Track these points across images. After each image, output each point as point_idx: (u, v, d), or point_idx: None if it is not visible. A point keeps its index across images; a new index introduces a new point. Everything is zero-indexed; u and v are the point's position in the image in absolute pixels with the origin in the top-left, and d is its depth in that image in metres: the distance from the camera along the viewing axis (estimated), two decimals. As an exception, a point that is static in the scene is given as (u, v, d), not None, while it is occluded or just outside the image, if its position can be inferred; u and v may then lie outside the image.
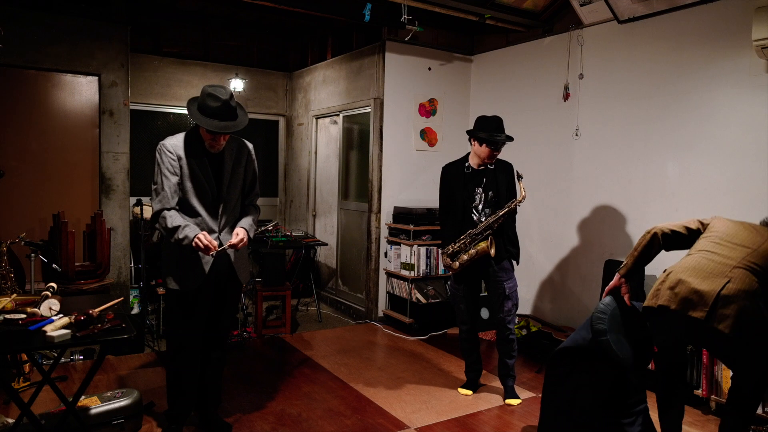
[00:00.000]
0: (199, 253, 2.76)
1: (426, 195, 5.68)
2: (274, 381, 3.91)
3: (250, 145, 3.10)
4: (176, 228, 2.71)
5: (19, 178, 4.72)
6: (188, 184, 2.81)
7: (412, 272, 5.16)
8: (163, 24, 6.26)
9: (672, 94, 4.09)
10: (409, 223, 5.19)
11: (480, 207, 3.66)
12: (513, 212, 3.60)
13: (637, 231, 4.30)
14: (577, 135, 4.76)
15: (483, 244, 3.55)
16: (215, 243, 2.73)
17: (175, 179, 2.79)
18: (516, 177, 3.61)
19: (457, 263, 3.64)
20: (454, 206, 3.68)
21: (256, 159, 3.16)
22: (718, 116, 3.83)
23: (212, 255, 2.75)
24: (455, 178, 3.69)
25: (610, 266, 4.27)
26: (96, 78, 4.96)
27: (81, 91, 4.95)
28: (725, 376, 3.47)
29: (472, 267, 3.64)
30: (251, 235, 2.94)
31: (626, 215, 4.39)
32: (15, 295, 2.98)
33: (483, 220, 3.62)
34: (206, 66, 6.57)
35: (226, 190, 2.90)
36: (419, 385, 3.91)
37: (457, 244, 3.63)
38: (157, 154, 2.82)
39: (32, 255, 3.90)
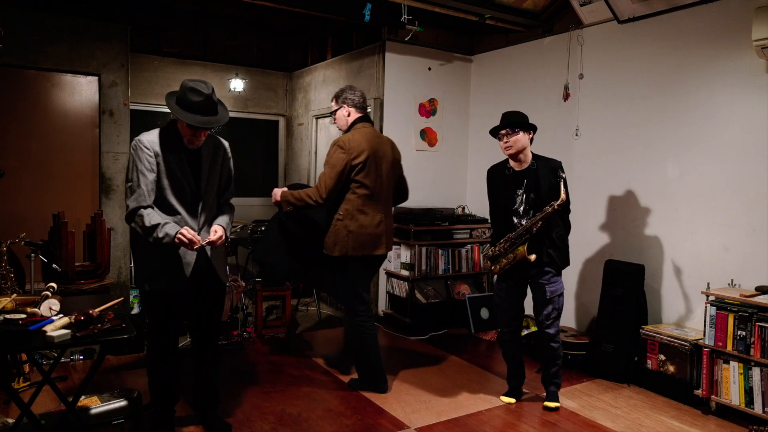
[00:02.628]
0: (180, 252, 2.72)
1: (426, 195, 5.68)
2: (274, 381, 3.91)
3: (226, 143, 3.04)
4: (155, 226, 2.65)
5: (19, 178, 4.72)
6: (166, 182, 2.74)
7: (412, 272, 5.16)
8: (163, 24, 6.26)
9: (672, 94, 4.09)
10: (409, 223, 5.19)
11: (521, 210, 3.49)
12: (555, 215, 3.38)
13: (637, 231, 4.31)
14: (577, 135, 4.76)
15: (521, 249, 3.41)
16: (199, 237, 2.70)
17: (152, 176, 2.71)
18: (558, 177, 3.41)
19: (498, 267, 3.55)
20: (497, 209, 3.63)
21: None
22: (718, 116, 3.83)
23: (196, 249, 2.73)
24: (498, 180, 3.60)
25: (610, 266, 4.28)
26: (96, 78, 4.96)
27: (81, 91, 4.95)
28: (725, 376, 3.47)
29: (515, 268, 3.53)
30: (228, 234, 2.92)
31: (626, 215, 4.39)
32: (15, 295, 2.98)
33: (523, 223, 3.45)
34: (206, 66, 6.57)
35: (205, 188, 2.85)
36: (419, 385, 3.91)
37: (497, 248, 3.52)
38: (133, 151, 2.74)
39: (32, 255, 3.89)
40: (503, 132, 3.47)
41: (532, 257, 3.37)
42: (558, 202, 3.32)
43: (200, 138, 2.77)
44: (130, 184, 2.73)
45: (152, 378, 2.94)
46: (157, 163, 2.73)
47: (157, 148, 2.73)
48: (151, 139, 2.75)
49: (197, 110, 2.66)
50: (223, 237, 2.83)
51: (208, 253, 2.89)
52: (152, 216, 2.68)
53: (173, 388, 2.95)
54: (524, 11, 4.88)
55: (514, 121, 3.44)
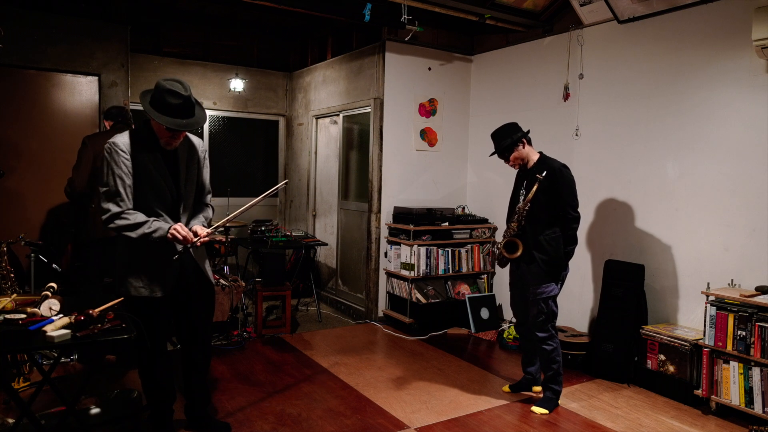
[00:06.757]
0: (163, 256, 2.66)
1: (426, 195, 5.68)
2: (274, 381, 3.91)
3: (201, 141, 2.97)
4: (142, 223, 2.58)
5: (19, 178, 4.72)
6: (145, 186, 2.66)
7: (412, 272, 5.16)
8: (163, 24, 6.26)
9: (672, 93, 4.09)
10: (409, 223, 5.19)
11: (517, 208, 3.59)
12: (534, 218, 3.46)
13: (637, 231, 4.31)
14: (577, 135, 4.76)
15: (504, 243, 3.59)
16: (191, 235, 2.64)
17: (129, 180, 2.63)
18: (538, 181, 3.41)
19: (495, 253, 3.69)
20: (509, 205, 3.72)
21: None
22: (718, 116, 3.83)
23: (189, 247, 2.69)
24: (517, 177, 3.71)
25: (610, 266, 4.28)
26: (96, 78, 4.96)
27: (81, 91, 4.95)
28: (725, 376, 3.47)
29: (512, 264, 3.63)
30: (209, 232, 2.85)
31: (626, 215, 4.39)
32: (15, 295, 2.98)
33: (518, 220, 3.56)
34: (206, 66, 6.57)
35: (184, 188, 2.78)
36: (419, 385, 3.91)
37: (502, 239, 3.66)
38: (107, 155, 2.63)
39: (32, 255, 3.90)
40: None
41: (517, 254, 3.52)
42: (519, 206, 3.51)
43: (178, 140, 2.71)
44: (106, 189, 2.62)
45: (144, 379, 2.91)
46: (134, 166, 2.64)
47: (133, 151, 2.64)
48: (125, 141, 2.66)
49: (175, 113, 2.58)
50: (206, 235, 2.74)
51: (192, 253, 2.84)
52: (137, 215, 2.61)
53: (166, 388, 2.93)
54: (524, 11, 4.88)
55: (503, 149, 3.56)
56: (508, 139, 3.54)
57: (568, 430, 3.31)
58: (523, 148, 3.56)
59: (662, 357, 3.83)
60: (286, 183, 3.02)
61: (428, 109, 5.66)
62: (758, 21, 3.35)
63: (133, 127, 4.03)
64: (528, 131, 3.61)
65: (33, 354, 2.86)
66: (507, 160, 3.62)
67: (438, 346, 4.80)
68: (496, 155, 3.64)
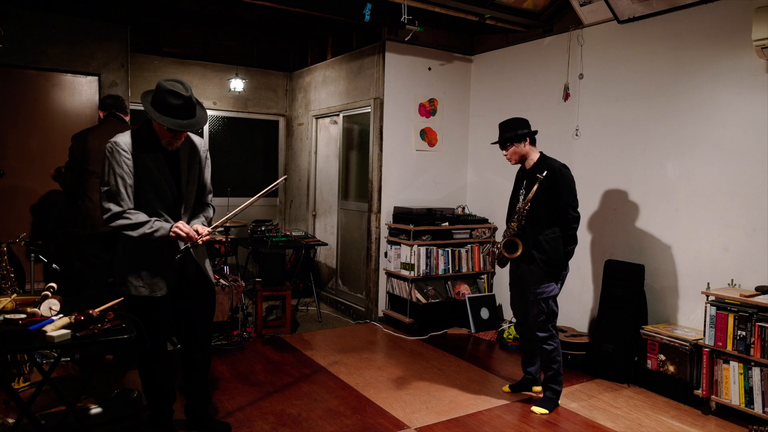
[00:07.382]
0: (164, 255, 2.67)
1: (426, 195, 5.68)
2: (274, 381, 3.91)
3: (203, 141, 2.97)
4: (144, 223, 2.60)
5: (19, 178, 4.72)
6: (147, 185, 2.67)
7: (412, 272, 5.16)
8: (163, 24, 6.26)
9: (672, 94, 4.09)
10: (409, 223, 5.19)
11: (518, 208, 3.59)
12: (534, 217, 3.47)
13: (637, 231, 4.31)
14: (577, 135, 4.76)
15: (504, 242, 3.60)
16: (194, 232, 2.67)
17: (131, 180, 2.64)
18: (538, 180, 3.40)
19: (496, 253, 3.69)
20: (509, 204, 3.72)
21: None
22: (718, 116, 3.83)
23: (190, 246, 2.69)
24: (516, 177, 3.72)
25: (610, 266, 4.28)
26: (96, 78, 4.97)
27: (81, 91, 4.95)
28: (725, 376, 3.47)
29: (512, 263, 3.64)
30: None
31: (626, 215, 4.39)
32: (15, 295, 2.98)
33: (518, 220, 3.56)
34: (206, 66, 6.57)
35: (186, 188, 2.79)
36: (419, 385, 3.91)
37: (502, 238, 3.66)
38: (109, 154, 2.63)
39: (32, 255, 3.90)
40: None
41: (517, 253, 3.52)
42: (520, 206, 3.51)
43: (180, 140, 2.71)
44: (107, 188, 2.62)
45: (144, 379, 2.92)
46: (135, 166, 2.64)
47: (134, 150, 2.65)
48: (127, 141, 2.66)
49: (176, 113, 2.58)
50: (207, 234, 2.75)
51: (195, 256, 2.85)
52: (139, 214, 2.62)
53: (166, 388, 2.94)
54: (524, 11, 4.88)
55: (505, 139, 3.56)
56: (513, 132, 3.54)
57: (568, 430, 3.31)
58: (525, 145, 3.55)
59: (662, 357, 3.83)
60: (285, 179, 3.02)
61: (428, 109, 5.66)
62: (758, 21, 3.35)
63: (128, 118, 4.05)
64: (536, 131, 3.61)
65: (33, 354, 2.86)
66: (504, 150, 3.60)
67: (438, 346, 4.80)
68: (497, 146, 3.64)
